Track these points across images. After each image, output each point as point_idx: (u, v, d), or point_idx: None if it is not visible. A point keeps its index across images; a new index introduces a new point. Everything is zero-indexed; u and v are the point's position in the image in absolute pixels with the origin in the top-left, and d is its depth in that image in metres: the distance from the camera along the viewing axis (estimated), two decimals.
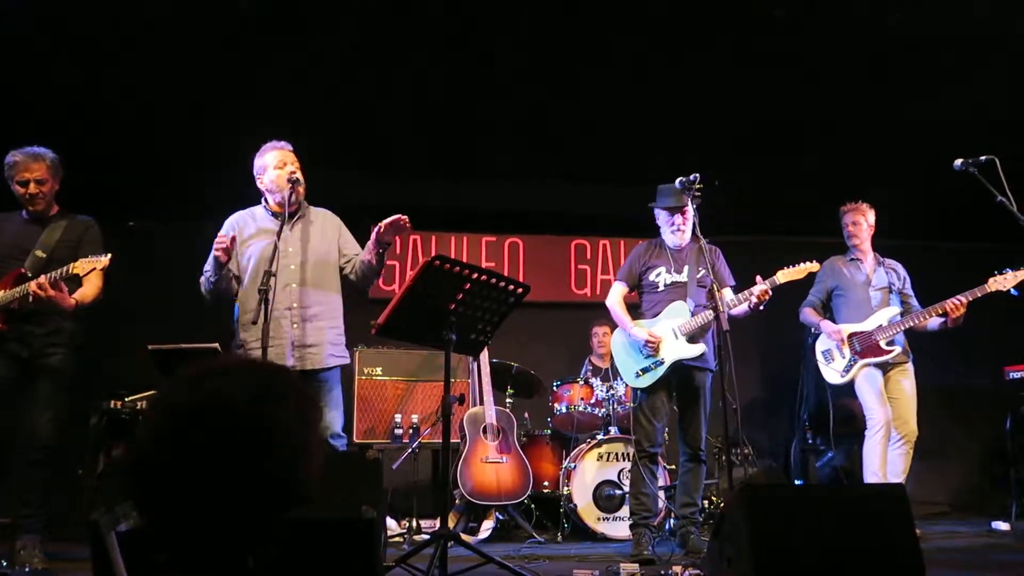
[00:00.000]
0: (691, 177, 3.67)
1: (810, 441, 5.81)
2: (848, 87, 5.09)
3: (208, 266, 3.47)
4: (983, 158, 3.68)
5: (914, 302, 4.72)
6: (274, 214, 3.55)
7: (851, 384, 4.59)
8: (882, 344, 4.49)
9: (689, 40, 4.62)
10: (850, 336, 4.56)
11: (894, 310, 4.59)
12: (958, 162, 3.77)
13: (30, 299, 3.51)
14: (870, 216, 4.81)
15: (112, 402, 4.41)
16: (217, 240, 3.37)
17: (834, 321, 4.73)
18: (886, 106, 5.24)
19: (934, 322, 4.50)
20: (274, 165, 3.57)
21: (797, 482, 5.77)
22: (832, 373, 4.63)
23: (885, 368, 4.54)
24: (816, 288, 4.83)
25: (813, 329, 4.86)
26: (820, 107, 5.27)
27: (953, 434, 6.42)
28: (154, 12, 4.25)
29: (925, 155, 4.84)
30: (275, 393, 1.09)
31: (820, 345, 4.73)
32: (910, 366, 4.59)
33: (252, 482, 1.04)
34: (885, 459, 4.40)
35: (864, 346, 4.52)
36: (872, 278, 4.72)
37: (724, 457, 5.10)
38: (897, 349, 4.52)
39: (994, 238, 5.15)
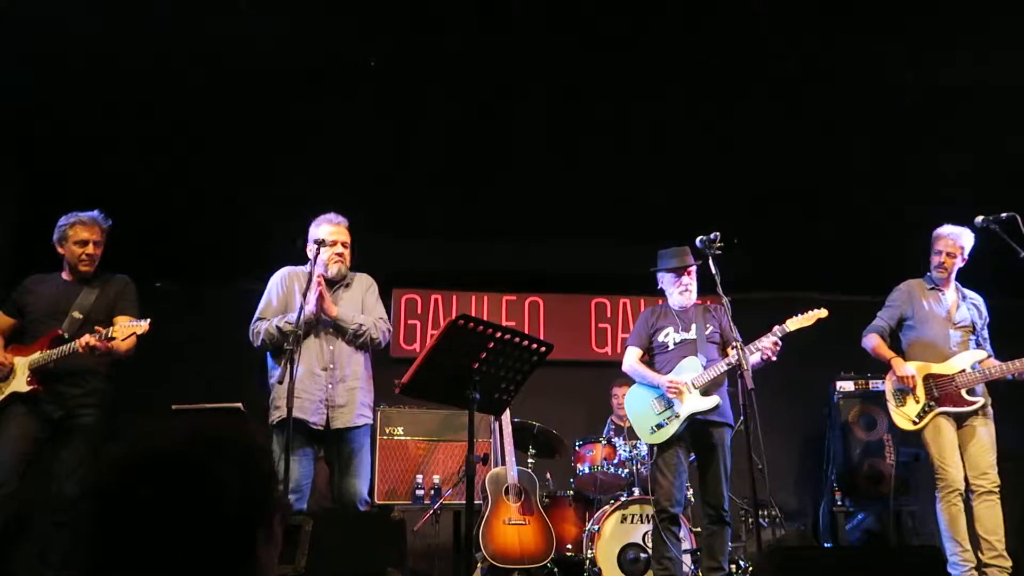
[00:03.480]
0: (711, 235, 3.72)
1: (839, 503, 5.66)
2: (865, 145, 5.14)
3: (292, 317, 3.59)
4: (1004, 215, 3.69)
5: (987, 346, 4.21)
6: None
7: (917, 436, 4.06)
8: (963, 393, 3.98)
9: (706, 101, 4.71)
10: (926, 377, 4.04)
11: (980, 354, 4.06)
12: (979, 219, 3.78)
13: (80, 351, 3.58)
14: (969, 244, 4.17)
15: None
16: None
17: (902, 356, 4.19)
18: (904, 163, 5.28)
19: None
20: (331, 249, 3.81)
21: (826, 545, 5.61)
22: (902, 418, 4.08)
23: (962, 419, 4.03)
24: (887, 312, 4.22)
25: (890, 363, 4.18)
26: (838, 164, 5.33)
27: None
28: (182, 83, 4.40)
29: (944, 211, 4.85)
30: (214, 443, 1.07)
31: (891, 383, 4.18)
32: (990, 411, 4.06)
33: (199, 535, 1.01)
34: (958, 523, 3.91)
35: (943, 392, 4.00)
36: (954, 314, 4.16)
37: (751, 519, 5.01)
38: (980, 400, 4.02)
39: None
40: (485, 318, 5.94)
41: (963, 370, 4.01)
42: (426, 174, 5.48)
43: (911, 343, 4.23)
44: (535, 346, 3.01)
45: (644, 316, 4.43)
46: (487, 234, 6.21)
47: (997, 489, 3.95)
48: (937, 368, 4.05)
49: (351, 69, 4.37)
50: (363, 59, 4.28)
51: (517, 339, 2.95)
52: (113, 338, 3.61)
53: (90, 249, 3.85)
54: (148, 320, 3.66)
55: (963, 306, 4.20)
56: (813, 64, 4.37)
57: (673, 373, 4.12)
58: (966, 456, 4.02)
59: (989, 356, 4.10)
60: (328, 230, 3.82)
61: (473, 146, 5.21)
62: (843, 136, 5.06)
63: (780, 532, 5.08)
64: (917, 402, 4.05)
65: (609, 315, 6.83)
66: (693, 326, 4.19)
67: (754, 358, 3.97)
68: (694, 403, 4.02)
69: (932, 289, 4.23)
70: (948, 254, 4.16)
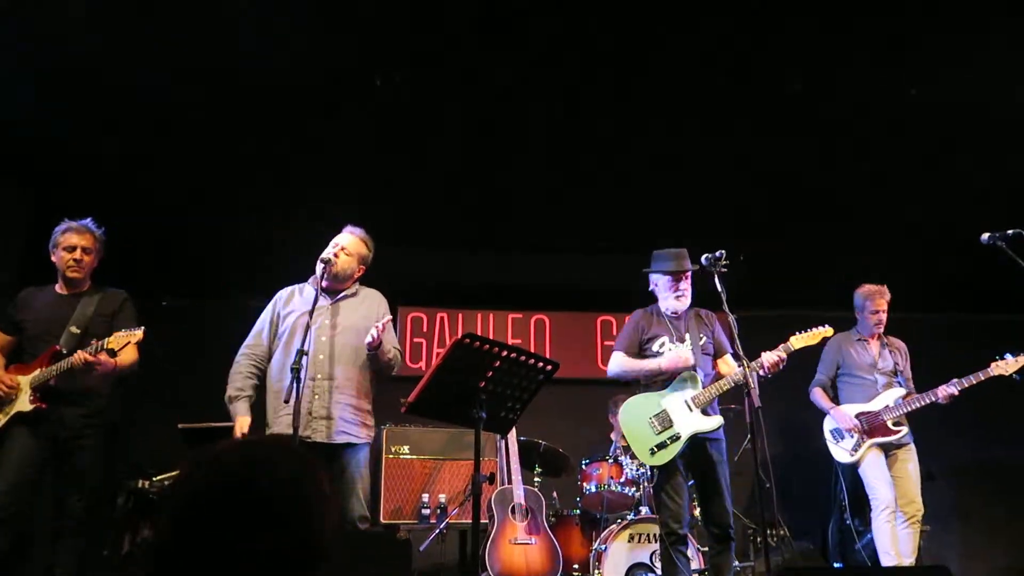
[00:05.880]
0: (717, 253, 3.70)
1: (848, 522, 5.60)
2: (866, 160, 5.14)
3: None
4: (1010, 232, 3.68)
5: (909, 384, 4.80)
6: (319, 290, 3.60)
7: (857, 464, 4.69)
8: (889, 424, 4.61)
9: (707, 116, 4.72)
10: (858, 415, 4.68)
11: (899, 391, 4.70)
12: (985, 236, 3.76)
13: (72, 368, 3.56)
14: (887, 298, 4.88)
15: (140, 481, 4.42)
16: None
17: (837, 401, 4.84)
18: (904, 178, 5.28)
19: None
20: (329, 246, 3.75)
21: (836, 565, 5.56)
22: (841, 452, 4.71)
23: (889, 449, 4.65)
24: (824, 366, 4.91)
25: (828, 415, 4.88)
26: (837, 180, 5.33)
27: (998, 512, 6.20)
28: (188, 99, 4.44)
29: (945, 228, 4.86)
30: (264, 464, 1.14)
31: (828, 424, 4.82)
32: (912, 446, 4.67)
33: (266, 554, 1.08)
34: (895, 538, 4.48)
35: (871, 425, 4.64)
36: (878, 361, 4.81)
37: (759, 538, 4.97)
38: (903, 430, 4.63)
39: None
40: (491, 336, 5.94)
41: (887, 406, 4.66)
42: (432, 192, 5.50)
43: (842, 389, 4.88)
44: (541, 364, 3.01)
45: (635, 320, 4.19)
46: (491, 251, 6.23)
47: (920, 516, 4.54)
48: (866, 407, 4.70)
49: (356, 87, 4.40)
50: (368, 77, 4.30)
51: (523, 357, 2.95)
52: (111, 350, 3.56)
53: (78, 255, 3.83)
54: (142, 328, 3.63)
55: (885, 352, 4.85)
56: (817, 82, 4.39)
57: (669, 389, 3.94)
58: (896, 483, 4.59)
59: (910, 392, 4.72)
60: (336, 237, 3.80)
61: (478, 164, 5.23)
62: (847, 152, 5.07)
63: (788, 551, 5.03)
64: (852, 437, 4.68)
65: (615, 333, 6.80)
66: (687, 336, 4.03)
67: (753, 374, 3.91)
68: (696, 423, 3.84)
69: (859, 340, 4.88)
70: (883, 311, 4.84)
